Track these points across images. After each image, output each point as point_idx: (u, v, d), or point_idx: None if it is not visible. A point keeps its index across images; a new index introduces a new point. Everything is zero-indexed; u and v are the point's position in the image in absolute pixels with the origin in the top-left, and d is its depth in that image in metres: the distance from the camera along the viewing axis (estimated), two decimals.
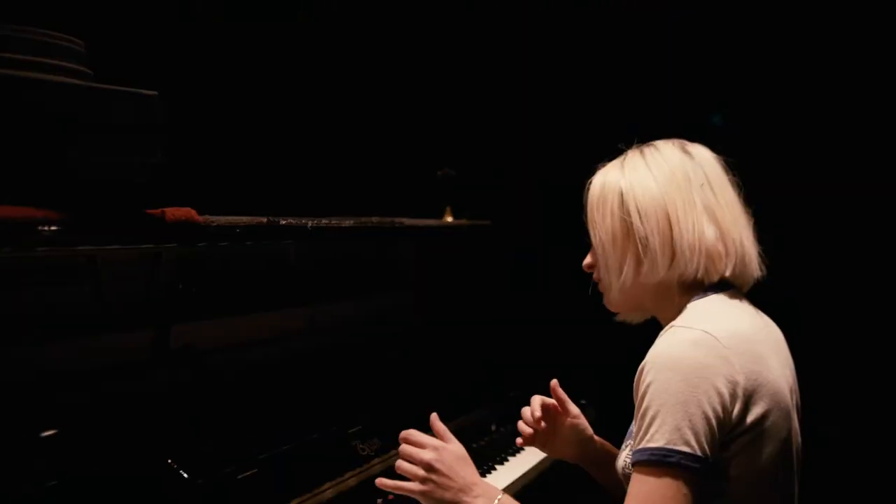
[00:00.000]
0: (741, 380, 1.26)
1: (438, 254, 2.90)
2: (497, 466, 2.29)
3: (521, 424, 1.70)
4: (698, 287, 1.40)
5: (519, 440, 1.71)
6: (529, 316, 3.11)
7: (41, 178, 1.27)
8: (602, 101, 3.36)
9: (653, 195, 1.39)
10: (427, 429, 1.50)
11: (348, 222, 2.16)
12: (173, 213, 1.49)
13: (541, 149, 3.52)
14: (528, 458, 2.33)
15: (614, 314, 1.55)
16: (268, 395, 1.96)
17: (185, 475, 1.51)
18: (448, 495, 1.39)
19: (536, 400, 1.69)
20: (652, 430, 1.24)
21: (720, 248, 1.38)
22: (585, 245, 1.53)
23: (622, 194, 1.41)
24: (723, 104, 3.18)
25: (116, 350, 1.72)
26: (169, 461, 1.50)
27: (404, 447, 1.45)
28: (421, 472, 1.41)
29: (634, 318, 1.55)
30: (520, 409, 1.71)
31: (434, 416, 1.52)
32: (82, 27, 1.54)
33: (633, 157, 1.46)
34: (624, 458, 1.45)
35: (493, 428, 2.52)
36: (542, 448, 1.73)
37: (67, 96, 1.28)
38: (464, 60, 3.39)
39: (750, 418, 1.26)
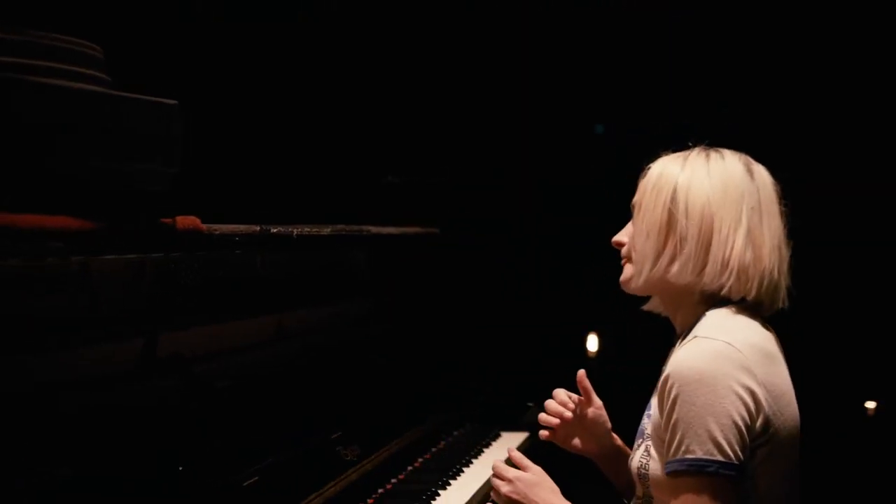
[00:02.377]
0: (762, 390, 1.32)
1: (397, 260, 2.93)
2: (464, 469, 2.33)
3: (544, 416, 1.70)
4: (718, 300, 1.43)
5: (543, 433, 1.73)
6: (486, 321, 3.19)
7: (63, 186, 1.25)
8: (600, 100, 3.42)
9: (706, 199, 1.41)
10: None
11: (327, 230, 2.18)
12: (182, 221, 1.49)
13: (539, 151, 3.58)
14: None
15: (633, 307, 1.61)
16: (247, 401, 1.95)
17: (189, 485, 1.51)
18: None
19: (561, 392, 1.71)
20: (686, 441, 1.29)
21: (751, 272, 1.40)
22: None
23: (676, 189, 1.43)
24: (722, 104, 3.27)
25: (105, 359, 1.68)
26: (177, 469, 1.49)
27: (493, 480, 1.56)
28: None
29: (662, 308, 1.57)
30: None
31: (510, 448, 1.64)
32: (75, 27, 1.51)
33: (696, 157, 1.47)
34: (639, 458, 1.48)
35: (455, 433, 2.59)
36: (562, 443, 1.74)
37: (90, 104, 1.26)
38: (461, 63, 3.38)
39: (772, 428, 1.33)
